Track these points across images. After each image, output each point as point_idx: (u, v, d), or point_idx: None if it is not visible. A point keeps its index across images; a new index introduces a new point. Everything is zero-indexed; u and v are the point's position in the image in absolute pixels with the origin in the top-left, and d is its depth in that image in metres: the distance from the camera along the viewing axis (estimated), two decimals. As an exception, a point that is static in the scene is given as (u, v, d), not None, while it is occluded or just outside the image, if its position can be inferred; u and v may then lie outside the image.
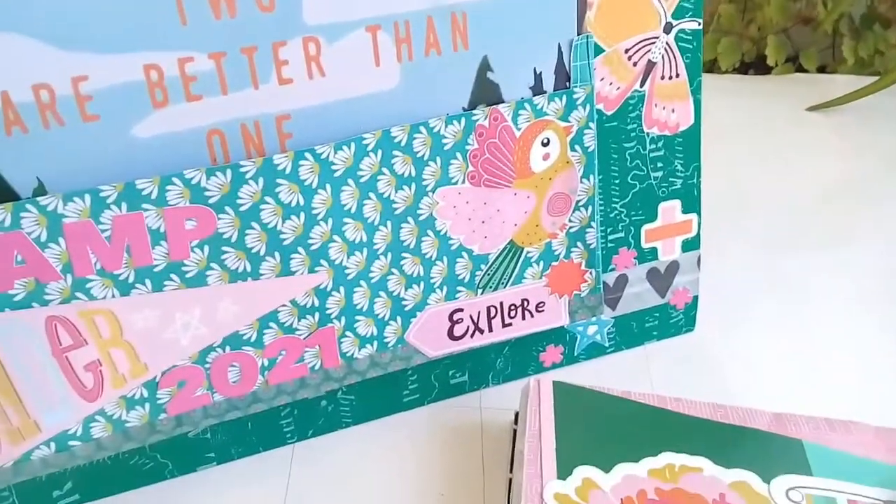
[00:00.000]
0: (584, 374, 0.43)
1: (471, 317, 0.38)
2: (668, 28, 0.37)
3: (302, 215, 0.33)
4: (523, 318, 0.39)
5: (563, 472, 0.34)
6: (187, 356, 0.34)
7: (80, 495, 0.37)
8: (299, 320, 0.35)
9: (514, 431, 0.39)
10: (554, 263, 0.39)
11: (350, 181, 0.33)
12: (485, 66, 0.34)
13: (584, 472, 0.34)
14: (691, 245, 0.43)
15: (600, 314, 0.40)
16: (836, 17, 0.63)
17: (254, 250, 0.33)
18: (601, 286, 0.40)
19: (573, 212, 0.38)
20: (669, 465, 0.34)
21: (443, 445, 0.39)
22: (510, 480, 0.36)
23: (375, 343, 0.37)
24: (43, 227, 0.30)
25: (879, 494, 0.33)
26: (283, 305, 0.34)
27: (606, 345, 0.43)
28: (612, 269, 0.41)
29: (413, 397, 0.40)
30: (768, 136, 0.60)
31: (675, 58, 0.38)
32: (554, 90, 0.36)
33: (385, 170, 0.34)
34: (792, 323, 0.46)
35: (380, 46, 0.32)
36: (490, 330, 0.39)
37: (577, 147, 0.37)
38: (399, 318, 0.37)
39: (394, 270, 0.36)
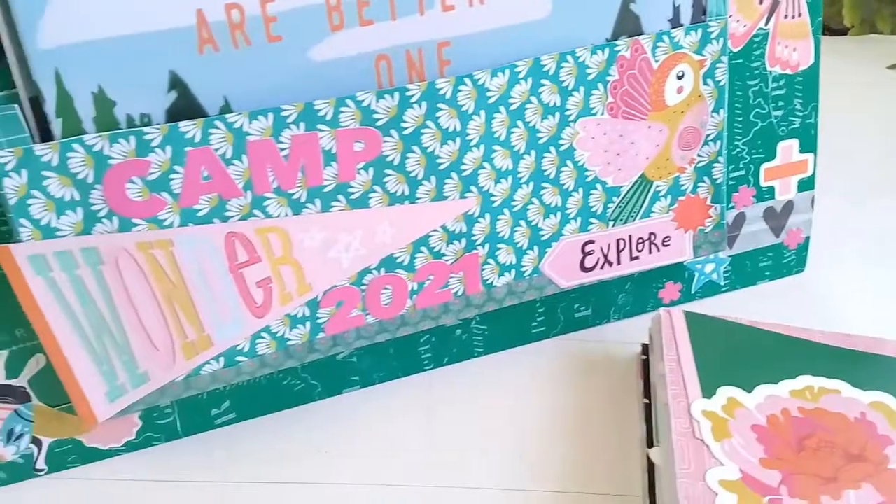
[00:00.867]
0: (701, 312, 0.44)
1: (601, 249, 0.39)
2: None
3: (458, 140, 0.34)
4: (650, 251, 0.40)
5: (708, 392, 0.35)
6: (346, 277, 0.35)
7: (237, 414, 0.38)
8: (448, 245, 0.36)
9: (643, 362, 0.40)
10: (681, 198, 0.40)
11: (502, 108, 0.35)
12: None
13: (727, 391, 0.35)
14: (807, 185, 0.43)
15: (722, 249, 0.41)
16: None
17: (413, 174, 0.34)
18: (725, 222, 0.41)
19: (702, 146, 0.39)
20: (808, 387, 0.35)
21: (570, 376, 0.40)
22: (646, 405, 0.38)
23: (513, 272, 0.38)
24: (229, 144, 0.31)
25: None
26: (435, 230, 0.36)
27: (722, 284, 0.44)
28: (732, 207, 0.42)
29: (540, 329, 0.42)
30: (850, 93, 0.61)
31: (800, -4, 0.39)
32: (690, 23, 0.37)
33: (533, 98, 0.35)
34: (889, 261, 0.47)
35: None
36: (618, 262, 0.40)
37: (709, 81, 0.38)
38: (536, 248, 0.38)
39: (534, 200, 0.37)
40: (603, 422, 0.38)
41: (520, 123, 0.35)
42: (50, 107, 0.30)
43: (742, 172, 0.42)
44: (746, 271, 0.44)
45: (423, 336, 0.39)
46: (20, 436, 0.36)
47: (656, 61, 0.36)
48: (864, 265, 0.46)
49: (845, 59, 0.64)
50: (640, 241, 0.40)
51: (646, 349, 0.41)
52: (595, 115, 0.36)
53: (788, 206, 0.44)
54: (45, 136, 0.30)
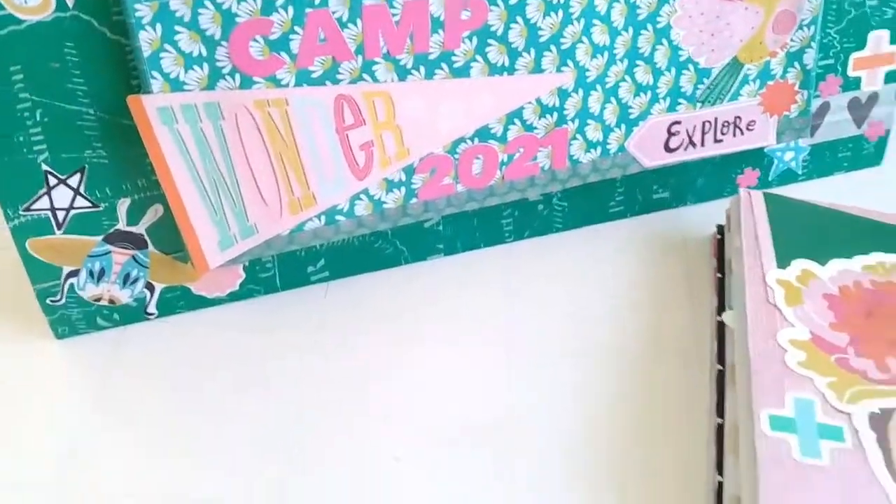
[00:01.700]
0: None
1: (686, 130, 0.42)
2: None
3: (560, 13, 0.36)
4: (734, 135, 0.43)
5: (782, 263, 0.38)
6: (441, 145, 0.38)
7: (330, 272, 0.42)
8: (539, 118, 0.39)
9: (718, 241, 0.43)
10: (769, 83, 0.42)
11: (602, -17, 0.37)
12: None
13: (801, 263, 0.38)
14: (893, 77, 0.45)
15: (805, 136, 0.44)
16: None
17: (514, 45, 0.37)
18: (811, 108, 0.43)
19: (796, 31, 0.41)
20: (881, 263, 0.38)
21: (645, 254, 0.43)
22: (719, 279, 0.41)
23: (599, 149, 0.41)
24: (346, 8, 0.34)
25: None
26: (529, 103, 0.38)
27: (799, 172, 0.47)
28: (818, 96, 0.44)
29: (618, 209, 0.45)
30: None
31: None
32: None
33: None
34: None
35: None
36: (702, 144, 0.42)
37: None
38: (623, 126, 0.41)
39: (626, 77, 0.39)
40: (676, 295, 0.41)
41: (619, -1, 0.37)
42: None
43: (831, 61, 0.43)
44: (825, 161, 0.46)
45: (507, 209, 0.43)
46: (136, 280, 0.41)
47: (756, -59, 0.38)
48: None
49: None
50: (726, 123, 0.42)
51: (721, 230, 0.43)
52: None
53: (873, 98, 0.45)
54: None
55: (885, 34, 0.43)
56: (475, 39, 0.36)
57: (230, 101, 0.35)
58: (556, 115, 0.39)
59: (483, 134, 0.39)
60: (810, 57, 0.41)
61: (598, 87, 0.39)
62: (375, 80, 0.36)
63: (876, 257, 0.38)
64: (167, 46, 0.33)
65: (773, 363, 0.33)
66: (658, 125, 0.41)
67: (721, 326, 0.38)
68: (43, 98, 0.35)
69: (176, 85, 0.34)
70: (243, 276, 0.42)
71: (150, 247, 0.40)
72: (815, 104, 0.44)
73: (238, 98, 0.35)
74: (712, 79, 0.41)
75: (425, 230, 0.42)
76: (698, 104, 0.41)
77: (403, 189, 0.39)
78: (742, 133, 0.43)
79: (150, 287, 0.41)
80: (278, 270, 0.42)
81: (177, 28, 0.33)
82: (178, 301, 0.41)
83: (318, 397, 0.37)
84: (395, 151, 0.37)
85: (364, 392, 0.38)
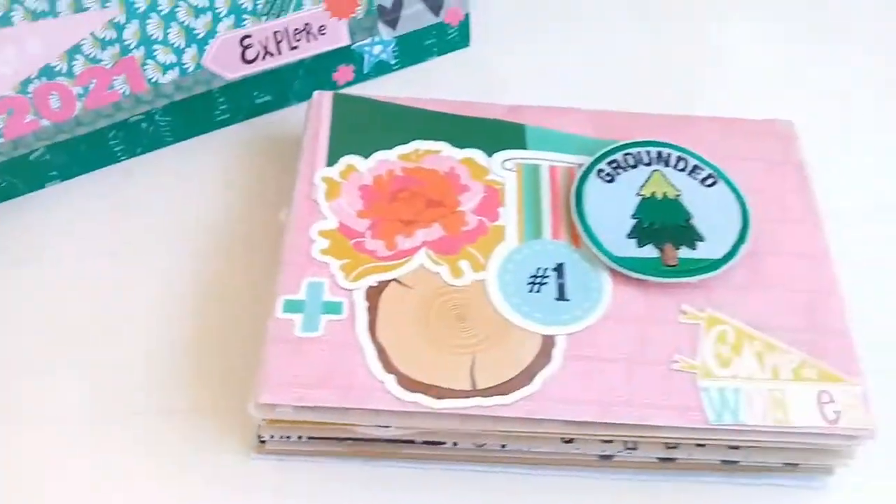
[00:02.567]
0: (374, 91, 0.51)
1: (259, 42, 0.47)
2: None
3: None
4: (308, 41, 0.48)
5: (332, 161, 0.44)
6: (10, 87, 0.42)
7: (-53, 211, 0.47)
8: (102, 51, 0.43)
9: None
10: None
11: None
12: None
13: (347, 160, 0.44)
14: None
15: (377, 35, 0.49)
16: None
17: None
18: (375, 8, 0.48)
19: None
20: (416, 150, 0.45)
21: (247, 157, 0.49)
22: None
23: (177, 69, 0.46)
24: None
25: (575, 160, 0.44)
26: (84, 38, 0.42)
27: (392, 62, 0.53)
28: None
29: (224, 116, 0.50)
30: None
31: None
32: None
33: None
34: (555, 38, 0.56)
35: None
36: (279, 53, 0.48)
37: None
38: (194, 46, 0.45)
39: (181, 3, 0.43)
40: (266, 195, 0.47)
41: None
42: None
43: None
44: (414, 49, 0.53)
45: (110, 132, 0.47)
46: None
47: None
48: (525, 39, 0.55)
49: None
50: (297, 31, 0.47)
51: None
52: None
53: None
54: None
55: None
56: (5, -9, 0.39)
57: None
58: (118, 45, 0.43)
59: (48, 72, 0.42)
60: None
61: (153, 14, 0.43)
62: (-89, 40, 0.39)
63: (413, 145, 0.45)
64: None
65: (299, 254, 0.41)
66: (229, 41, 0.46)
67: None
68: None
69: None
70: None
71: None
72: (389, 0, 0.50)
73: None
74: None
75: (33, 162, 0.46)
76: (263, 17, 0.46)
77: (-13, 131, 0.43)
78: (316, 38, 0.48)
79: None
80: None
81: None
82: None
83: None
84: (-39, 100, 0.41)
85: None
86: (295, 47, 0.48)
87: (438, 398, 0.37)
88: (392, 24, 0.51)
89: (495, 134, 0.46)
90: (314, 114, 0.46)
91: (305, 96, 0.51)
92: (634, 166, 0.44)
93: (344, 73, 0.52)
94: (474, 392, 0.37)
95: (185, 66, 0.46)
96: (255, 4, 0.45)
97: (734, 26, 0.58)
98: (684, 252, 0.41)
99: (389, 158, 0.45)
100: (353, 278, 0.40)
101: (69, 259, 0.45)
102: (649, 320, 0.39)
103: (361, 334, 0.39)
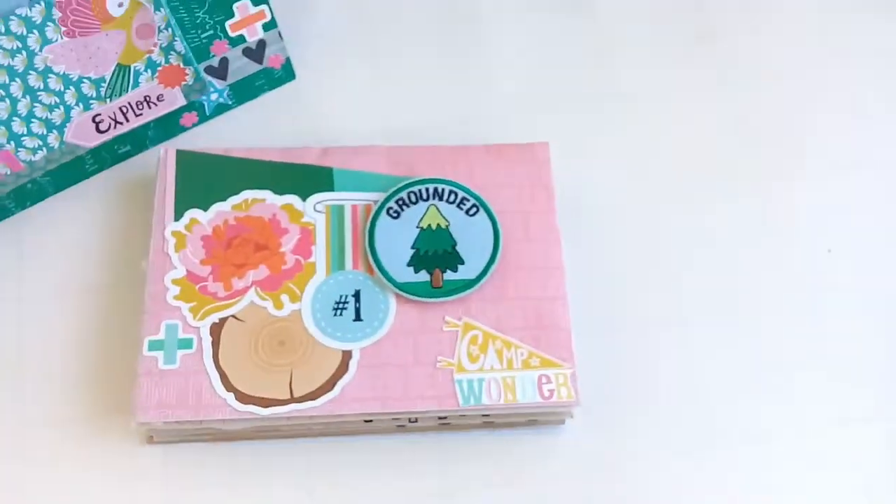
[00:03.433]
0: (218, 128, 0.64)
1: (108, 116, 0.58)
2: None
3: None
4: (150, 107, 0.59)
5: (178, 215, 0.56)
6: None
7: None
8: None
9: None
10: (160, 69, 0.57)
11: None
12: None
13: (191, 213, 0.57)
14: (271, 26, 0.60)
15: (208, 92, 0.60)
16: None
17: None
18: (202, 75, 0.59)
19: (159, 34, 0.55)
20: (245, 199, 0.57)
21: (116, 201, 0.61)
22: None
23: (44, 149, 0.57)
24: None
25: (372, 197, 0.57)
26: None
27: (230, 103, 0.64)
28: (214, 56, 0.60)
29: (94, 167, 0.61)
30: None
31: None
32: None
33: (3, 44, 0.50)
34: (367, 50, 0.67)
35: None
36: (127, 121, 0.59)
37: None
38: (55, 131, 0.56)
39: (35, 104, 0.54)
40: (130, 241, 0.59)
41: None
42: None
43: (211, 32, 0.58)
44: (246, 90, 0.64)
45: (7, 195, 0.58)
46: None
47: (90, -8, 0.51)
48: (344, 65, 0.66)
49: None
50: (139, 103, 0.58)
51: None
52: (55, 42, 0.52)
53: (262, 43, 0.61)
54: None
55: (247, 2, 0.58)
56: None
57: None
58: None
59: None
60: (180, 45, 0.56)
61: (16, 118, 0.54)
62: None
63: (244, 195, 0.57)
64: None
65: (156, 301, 0.54)
66: (84, 121, 0.57)
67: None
68: None
69: None
70: None
71: None
72: (216, 60, 0.60)
73: None
74: (108, 81, 0.55)
75: None
76: (107, 99, 0.56)
77: None
78: (156, 104, 0.59)
79: None
80: None
81: None
82: None
83: None
84: None
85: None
86: (140, 114, 0.58)
87: (265, 407, 0.52)
88: (223, 76, 0.61)
89: (308, 178, 0.58)
90: (162, 171, 0.58)
91: (159, 141, 0.62)
92: (416, 202, 0.57)
93: (189, 118, 0.63)
94: (292, 400, 0.52)
95: (51, 145, 0.57)
96: (98, 91, 0.56)
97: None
98: (448, 275, 0.55)
99: (224, 209, 0.57)
100: (199, 317, 0.54)
101: None
102: (421, 331, 0.54)
103: (208, 363, 0.53)
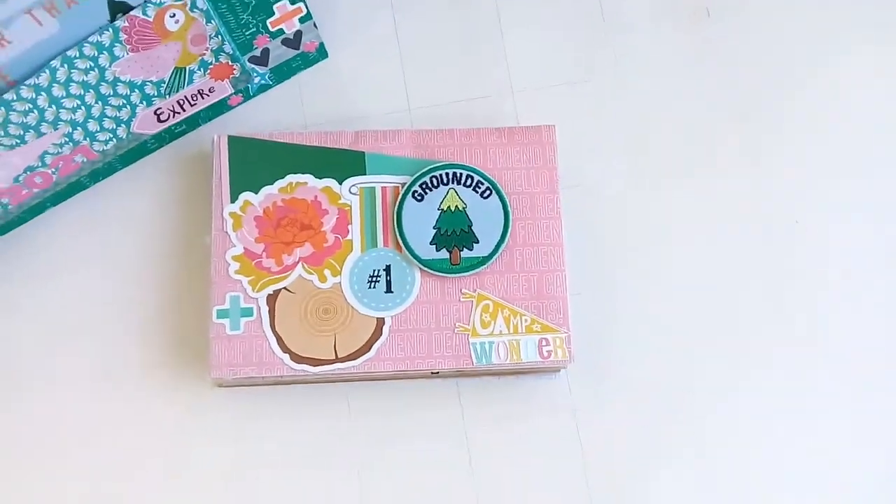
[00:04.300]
0: (260, 105, 0.72)
1: (168, 109, 0.66)
2: None
3: (42, 95, 0.58)
4: (202, 98, 0.67)
5: (234, 198, 0.66)
6: (8, 182, 0.62)
7: (-18, 244, 0.69)
8: (61, 148, 0.63)
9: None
10: (210, 66, 0.64)
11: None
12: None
13: (244, 196, 0.66)
14: (306, 18, 0.67)
15: (254, 80, 0.67)
16: None
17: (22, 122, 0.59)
18: (247, 67, 0.66)
19: (210, 40, 0.62)
20: (290, 183, 0.66)
21: (179, 170, 0.71)
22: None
23: (114, 140, 0.65)
24: None
25: (399, 180, 0.66)
26: (47, 147, 0.61)
27: (270, 83, 0.71)
28: (256, 48, 0.67)
29: (155, 145, 0.70)
30: None
31: None
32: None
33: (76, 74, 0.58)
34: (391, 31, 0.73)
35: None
36: (183, 111, 0.67)
37: (195, 9, 0.59)
38: (123, 125, 0.64)
39: (106, 108, 0.63)
40: (198, 214, 0.70)
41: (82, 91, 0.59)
42: None
43: (254, 29, 0.65)
44: (285, 72, 0.71)
45: (85, 176, 0.68)
46: None
47: (149, 16, 0.58)
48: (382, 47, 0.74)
49: None
50: (193, 96, 0.66)
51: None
52: (122, 58, 0.59)
53: (299, 34, 0.68)
54: None
55: (285, 2, 0.64)
56: (-9, 140, 0.58)
57: None
58: (71, 143, 0.62)
59: (30, 168, 0.62)
60: (228, 47, 0.63)
61: (91, 120, 0.62)
62: (-59, 180, 0.59)
63: (288, 179, 0.66)
64: None
65: (220, 276, 0.64)
66: (147, 114, 0.66)
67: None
68: None
69: None
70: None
71: None
72: (259, 51, 0.67)
73: None
74: (167, 82, 0.63)
75: (37, 205, 0.67)
76: (167, 96, 0.64)
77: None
78: (208, 95, 0.67)
79: None
80: (-51, 253, 0.68)
81: None
82: None
83: None
84: (-22, 198, 0.62)
85: None
86: (194, 105, 0.67)
87: (315, 366, 0.63)
88: (264, 64, 0.68)
89: (343, 163, 0.67)
90: (217, 157, 0.67)
91: (209, 119, 0.71)
92: (437, 186, 0.66)
93: (235, 99, 0.71)
94: (336, 360, 0.63)
95: (120, 136, 0.66)
96: (159, 90, 0.64)
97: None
98: (465, 253, 0.64)
99: (272, 192, 0.66)
100: (257, 289, 0.64)
101: (63, 267, 0.69)
102: (442, 301, 0.64)
103: (266, 329, 0.64)
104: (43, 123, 0.62)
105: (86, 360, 0.68)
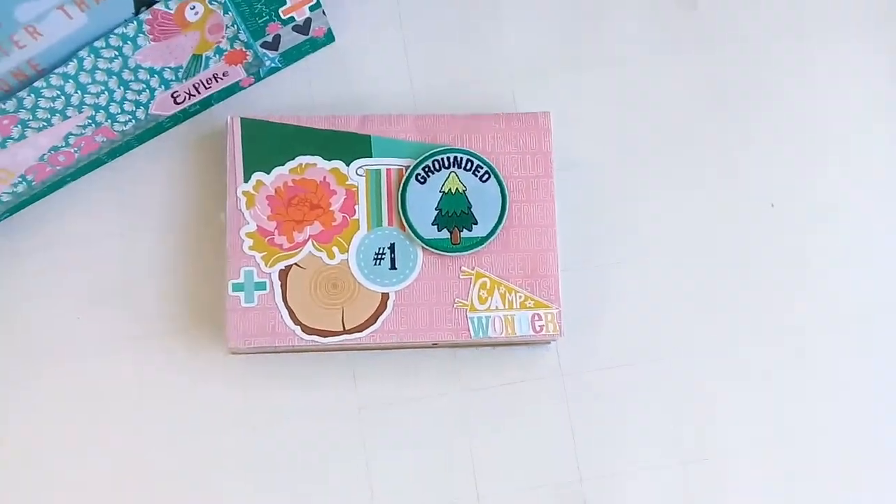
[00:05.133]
0: (270, 85, 0.77)
1: (185, 91, 0.70)
2: None
3: (71, 83, 0.62)
4: (217, 82, 0.70)
5: (247, 178, 0.70)
6: (34, 160, 0.66)
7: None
8: (84, 129, 0.67)
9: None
10: (225, 53, 0.68)
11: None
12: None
13: (256, 176, 0.71)
14: (316, 6, 0.70)
15: (265, 65, 0.71)
16: None
17: (50, 107, 0.63)
18: (259, 53, 0.70)
19: (227, 29, 0.66)
20: (300, 164, 0.71)
21: (193, 147, 0.75)
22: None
23: (133, 121, 0.69)
24: None
25: (403, 163, 0.70)
26: (71, 129, 0.65)
27: (280, 66, 0.74)
28: (268, 34, 0.70)
29: (170, 124, 0.74)
30: None
31: None
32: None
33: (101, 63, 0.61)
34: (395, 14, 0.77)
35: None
36: (199, 94, 0.71)
37: (214, 2, 0.63)
38: (142, 108, 0.68)
39: (127, 92, 0.67)
40: (209, 183, 0.74)
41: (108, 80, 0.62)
42: None
43: (267, 18, 0.69)
44: (294, 55, 0.75)
45: (104, 154, 0.72)
46: None
47: (171, 9, 0.61)
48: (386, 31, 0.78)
49: None
50: (208, 80, 0.70)
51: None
52: (144, 47, 0.63)
53: (308, 21, 0.72)
54: None
55: None
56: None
57: None
58: (94, 125, 0.66)
59: (54, 148, 0.66)
60: (243, 35, 0.67)
61: (112, 103, 0.66)
62: (-27, 160, 0.62)
63: (298, 160, 0.71)
64: None
65: (235, 251, 0.69)
66: (164, 97, 0.70)
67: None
68: None
69: None
70: (-44, 231, 0.72)
71: None
72: (271, 37, 0.70)
73: None
74: (185, 67, 0.67)
75: (59, 180, 0.72)
76: (183, 80, 0.68)
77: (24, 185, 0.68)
78: (223, 78, 0.71)
79: None
80: (-25, 225, 0.72)
81: None
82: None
83: None
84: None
85: None
86: (209, 87, 0.71)
87: (324, 337, 0.68)
88: (275, 49, 0.72)
89: (351, 145, 0.71)
90: (230, 138, 0.71)
91: (221, 99, 0.75)
92: (439, 170, 0.70)
93: (247, 81, 0.75)
94: (344, 331, 0.69)
95: (139, 117, 0.70)
96: (177, 75, 0.67)
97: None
98: (464, 233, 0.69)
99: (283, 172, 0.71)
100: (269, 265, 0.69)
101: (86, 236, 0.74)
102: (443, 278, 0.69)
103: (279, 302, 0.69)
104: (69, 108, 0.66)
105: (107, 325, 0.74)
